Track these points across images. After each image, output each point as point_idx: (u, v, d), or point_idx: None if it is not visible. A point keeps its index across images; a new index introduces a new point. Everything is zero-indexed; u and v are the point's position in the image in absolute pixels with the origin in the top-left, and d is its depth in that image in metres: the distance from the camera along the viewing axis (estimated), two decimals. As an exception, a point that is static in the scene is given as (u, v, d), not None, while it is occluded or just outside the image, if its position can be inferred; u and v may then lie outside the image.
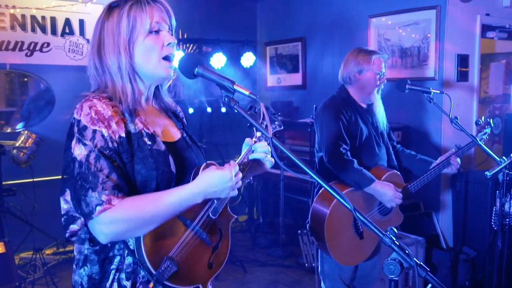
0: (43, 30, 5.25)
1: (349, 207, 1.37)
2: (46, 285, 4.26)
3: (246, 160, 1.73)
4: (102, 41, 1.56)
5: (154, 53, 1.57)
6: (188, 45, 6.08)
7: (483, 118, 3.20)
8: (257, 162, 1.78)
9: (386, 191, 2.90)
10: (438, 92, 3.09)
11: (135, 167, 1.50)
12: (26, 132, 4.86)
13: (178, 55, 5.66)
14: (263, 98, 6.91)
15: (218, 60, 5.91)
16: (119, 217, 1.42)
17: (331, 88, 3.27)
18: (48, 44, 5.29)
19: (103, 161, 1.43)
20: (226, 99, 1.51)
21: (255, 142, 1.75)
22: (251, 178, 1.87)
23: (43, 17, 5.24)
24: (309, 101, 5.83)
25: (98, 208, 1.40)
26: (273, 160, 1.78)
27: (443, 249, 4.64)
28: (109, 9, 1.58)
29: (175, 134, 1.71)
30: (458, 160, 3.07)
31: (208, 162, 1.67)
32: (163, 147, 1.57)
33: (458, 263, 4.21)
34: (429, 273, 1.31)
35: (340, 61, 3.17)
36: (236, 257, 5.06)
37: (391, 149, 3.22)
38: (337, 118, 2.96)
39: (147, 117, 1.61)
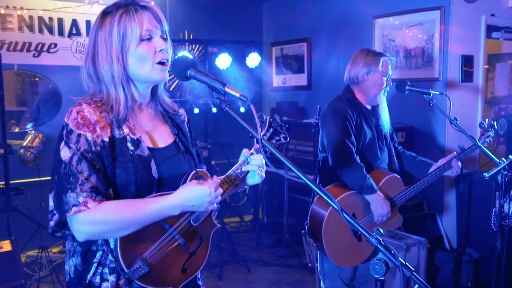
0: (51, 31, 5.32)
1: (336, 207, 1.39)
2: (52, 282, 4.32)
3: (239, 170, 1.76)
4: (96, 50, 1.59)
5: (147, 61, 1.59)
6: (193, 46, 6.12)
7: (486, 121, 3.18)
8: (250, 174, 1.82)
9: (383, 208, 2.91)
10: (438, 93, 3.10)
11: (116, 171, 1.55)
12: (33, 131, 4.93)
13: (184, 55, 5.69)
14: (269, 99, 6.94)
15: (223, 61, 5.94)
16: (97, 219, 1.48)
17: (336, 88, 3.27)
18: (55, 45, 5.36)
19: (84, 164, 1.49)
20: (218, 101, 1.54)
21: (252, 154, 1.77)
22: (246, 187, 1.89)
23: (50, 18, 5.30)
24: (314, 102, 5.85)
25: (74, 209, 1.47)
26: (264, 175, 1.81)
27: (446, 250, 4.64)
28: (103, 16, 1.61)
29: (166, 139, 1.73)
30: (459, 163, 3.06)
31: (198, 169, 1.70)
32: (146, 152, 1.60)
33: (461, 264, 4.20)
34: (414, 273, 1.33)
35: (345, 61, 3.16)
36: (240, 257, 5.09)
37: (393, 151, 3.21)
38: (346, 119, 2.94)
39: (137, 122, 1.64)
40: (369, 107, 3.10)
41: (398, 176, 3.09)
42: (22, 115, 5.57)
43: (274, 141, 1.88)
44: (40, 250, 4.28)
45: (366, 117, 3.06)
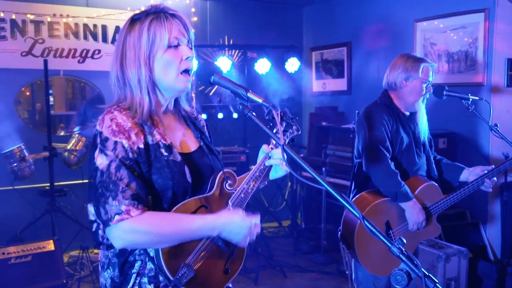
0: (95, 38, 5.49)
1: (357, 215, 1.36)
2: (92, 282, 4.44)
3: (262, 166, 1.76)
4: (124, 54, 1.62)
5: (173, 67, 1.61)
6: (233, 51, 6.16)
7: None
8: (273, 169, 1.82)
9: (418, 216, 2.84)
10: (477, 98, 2.99)
11: (152, 177, 1.56)
12: (77, 135, 5.10)
13: (224, 61, 5.74)
14: (308, 104, 6.91)
15: (263, 66, 5.97)
16: (140, 229, 1.49)
17: (376, 93, 3.23)
18: (99, 51, 5.52)
19: (123, 171, 1.50)
20: (241, 107, 1.54)
21: (272, 148, 1.77)
22: (266, 183, 1.89)
23: (95, 25, 5.48)
24: (354, 107, 5.76)
25: (117, 217, 1.47)
26: (287, 168, 1.78)
27: (490, 261, 4.47)
28: (132, 22, 1.64)
29: (192, 144, 1.75)
30: (495, 178, 2.95)
31: (225, 170, 1.71)
32: (179, 158, 1.62)
33: (506, 276, 4.05)
34: (437, 284, 1.29)
35: (386, 65, 3.10)
36: (277, 262, 5.08)
37: (432, 159, 3.13)
38: (380, 124, 2.89)
39: (165, 128, 1.66)
40: (407, 113, 3.03)
41: (436, 184, 3.00)
42: (71, 119, 5.77)
43: (288, 134, 1.86)
44: (81, 251, 4.39)
45: (403, 122, 2.99)
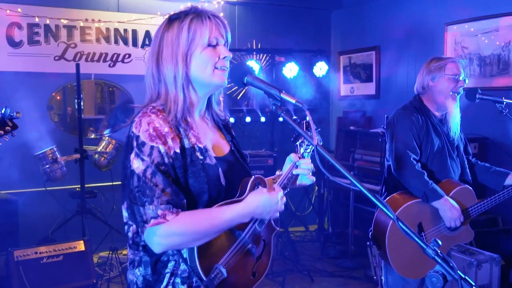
0: (125, 42, 5.58)
1: (392, 216, 1.36)
2: (121, 283, 4.49)
3: (290, 175, 1.80)
4: (161, 51, 1.63)
5: (210, 64, 1.63)
6: (261, 55, 6.18)
7: None
8: (298, 177, 1.85)
9: (452, 212, 2.81)
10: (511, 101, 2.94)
11: (188, 181, 1.57)
12: (107, 138, 5.18)
13: (252, 65, 5.77)
14: (336, 108, 6.88)
15: (290, 70, 5.97)
16: (176, 231, 1.50)
17: (405, 97, 3.21)
18: (129, 55, 5.61)
19: (159, 176, 1.51)
20: (274, 107, 1.55)
21: (300, 158, 1.80)
22: (288, 189, 1.91)
23: (125, 30, 5.57)
24: (383, 111, 5.71)
25: (153, 221, 1.49)
26: (313, 178, 1.85)
27: (523, 268, 4.36)
28: (169, 21, 1.66)
29: (225, 147, 1.77)
30: None
31: (256, 176, 1.72)
32: (214, 161, 1.63)
33: (540, 284, 3.95)
34: (473, 287, 1.27)
35: (415, 69, 3.12)
36: (304, 266, 5.06)
37: (466, 162, 3.08)
38: (409, 127, 2.90)
39: (200, 131, 1.67)
40: (438, 114, 3.01)
41: (470, 188, 2.96)
42: (100, 122, 5.87)
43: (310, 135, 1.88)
44: (111, 252, 4.45)
45: (434, 125, 2.97)
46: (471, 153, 3.21)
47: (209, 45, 1.62)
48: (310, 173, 1.82)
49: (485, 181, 3.13)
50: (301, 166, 1.79)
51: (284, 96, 1.53)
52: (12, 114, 2.75)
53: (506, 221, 4.54)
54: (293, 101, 1.52)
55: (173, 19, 1.65)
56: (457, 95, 2.95)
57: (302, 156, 1.81)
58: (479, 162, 3.17)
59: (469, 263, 3.78)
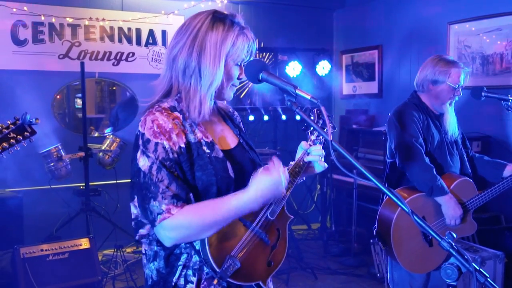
0: (129, 41, 5.60)
1: (406, 210, 1.38)
2: (125, 281, 4.51)
3: (301, 162, 1.80)
4: (204, 46, 1.61)
5: (231, 80, 1.67)
6: (264, 54, 6.20)
7: None
8: (311, 164, 1.85)
9: (455, 210, 2.85)
10: (517, 99, 2.97)
11: (196, 174, 1.59)
12: (111, 136, 5.20)
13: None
14: (338, 106, 6.90)
15: (293, 69, 6.00)
16: (181, 224, 1.52)
17: (407, 96, 3.24)
18: (133, 54, 5.63)
19: (163, 172, 1.54)
20: (289, 103, 1.57)
21: (310, 145, 1.81)
22: (303, 178, 1.92)
23: (129, 29, 5.58)
24: (385, 110, 5.75)
25: (159, 217, 1.52)
26: (325, 164, 1.84)
27: (526, 266, 4.39)
28: (213, 19, 1.64)
29: (232, 140, 1.79)
30: None
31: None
32: (221, 154, 1.65)
33: (543, 282, 3.97)
34: (488, 279, 1.29)
35: (418, 69, 3.12)
36: (308, 264, 5.08)
37: (465, 156, 3.13)
38: (411, 121, 2.93)
39: (206, 126, 1.70)
40: (436, 112, 3.06)
41: (471, 180, 3.00)
42: (101, 121, 5.89)
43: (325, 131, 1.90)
44: (115, 249, 4.47)
45: (433, 120, 3.04)
46: (470, 147, 3.25)
47: (239, 63, 1.66)
48: (322, 159, 1.81)
49: (484, 174, 3.18)
50: (312, 153, 1.80)
51: (299, 92, 1.55)
52: (31, 120, 2.76)
53: (509, 219, 4.56)
54: (308, 97, 1.54)
55: (218, 19, 1.64)
56: (453, 101, 3.01)
57: (313, 143, 1.81)
58: (477, 155, 3.22)
59: (473, 260, 3.80)
